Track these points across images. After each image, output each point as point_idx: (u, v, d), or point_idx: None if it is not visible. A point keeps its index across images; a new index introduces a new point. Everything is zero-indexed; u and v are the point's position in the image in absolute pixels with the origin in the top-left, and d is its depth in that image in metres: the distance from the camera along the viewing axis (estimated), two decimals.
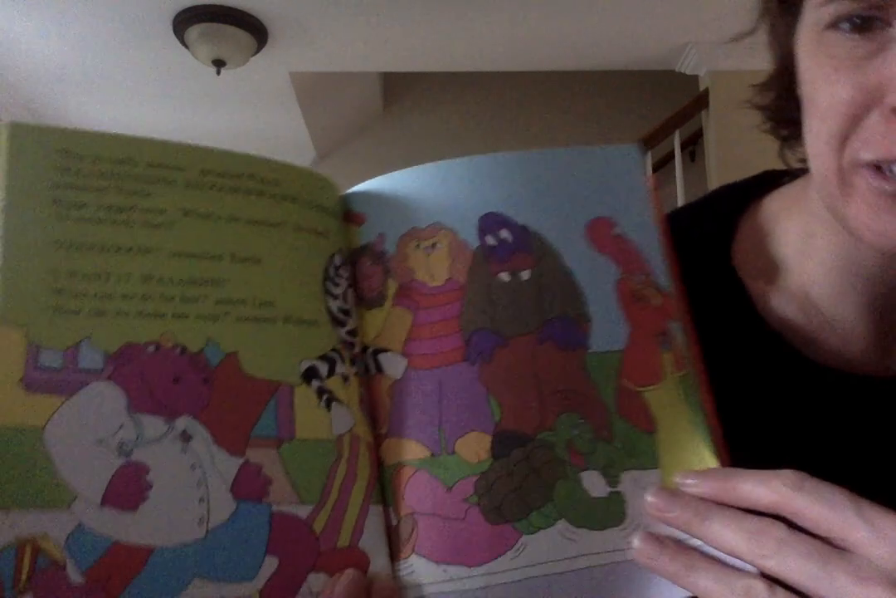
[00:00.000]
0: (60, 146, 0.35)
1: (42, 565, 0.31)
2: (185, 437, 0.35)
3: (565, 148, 0.45)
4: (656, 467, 0.39)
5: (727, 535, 0.35)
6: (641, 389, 0.40)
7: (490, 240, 0.42)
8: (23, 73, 3.55)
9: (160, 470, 0.34)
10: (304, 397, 0.38)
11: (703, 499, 0.36)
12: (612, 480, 0.39)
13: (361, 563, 0.37)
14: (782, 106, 0.54)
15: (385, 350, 0.41)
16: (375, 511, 0.38)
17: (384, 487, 0.39)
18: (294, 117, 3.89)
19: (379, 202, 0.43)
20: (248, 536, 0.35)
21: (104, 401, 0.34)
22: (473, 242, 0.42)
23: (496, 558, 0.37)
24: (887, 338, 0.52)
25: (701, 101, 3.15)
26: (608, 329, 0.41)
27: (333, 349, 0.39)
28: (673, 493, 0.37)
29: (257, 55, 3.36)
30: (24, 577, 0.31)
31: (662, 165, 3.64)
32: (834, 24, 0.44)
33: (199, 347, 0.36)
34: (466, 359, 0.40)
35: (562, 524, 0.38)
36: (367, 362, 0.41)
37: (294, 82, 3.61)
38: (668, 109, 3.32)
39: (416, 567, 0.38)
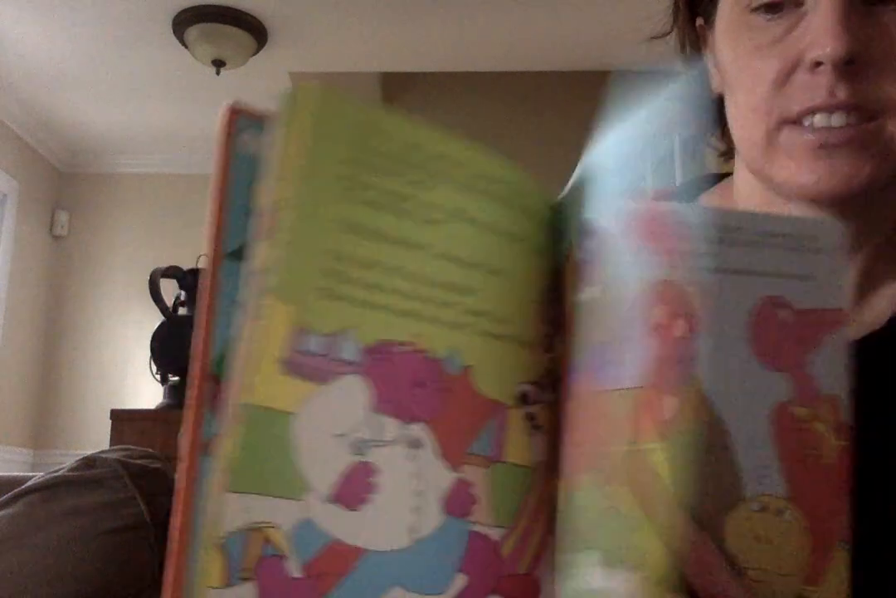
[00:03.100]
0: (360, 119, 0.33)
1: (268, 553, 0.30)
2: (415, 444, 0.34)
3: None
4: None
5: None
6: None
7: None
8: (23, 73, 3.53)
9: (387, 474, 0.33)
10: (516, 420, 0.37)
11: None
12: None
13: (535, 591, 0.37)
14: None
15: None
16: (551, 541, 0.38)
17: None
18: None
19: None
20: (446, 551, 0.34)
21: (352, 395, 0.32)
22: None
23: None
24: (864, 294, 0.58)
25: None
26: None
27: (542, 375, 0.39)
28: None
29: (257, 55, 3.36)
30: (251, 565, 0.30)
31: None
32: (755, 9, 0.54)
33: (443, 355, 0.35)
34: None
35: None
36: None
37: (294, 82, 3.55)
38: None
39: None
